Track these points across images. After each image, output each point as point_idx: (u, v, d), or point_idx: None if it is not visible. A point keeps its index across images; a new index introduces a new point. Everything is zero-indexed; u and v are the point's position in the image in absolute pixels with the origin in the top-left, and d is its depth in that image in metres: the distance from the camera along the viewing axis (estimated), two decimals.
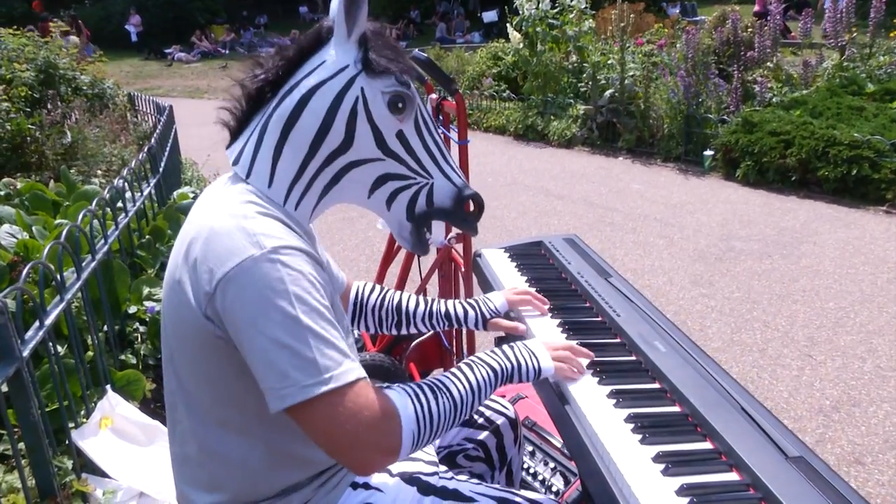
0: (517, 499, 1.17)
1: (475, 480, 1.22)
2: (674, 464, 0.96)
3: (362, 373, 0.95)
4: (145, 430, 2.25)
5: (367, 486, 1.16)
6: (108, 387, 2.25)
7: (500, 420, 1.47)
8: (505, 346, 1.18)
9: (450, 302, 1.44)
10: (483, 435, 1.45)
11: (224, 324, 0.94)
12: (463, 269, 2.30)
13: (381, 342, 2.51)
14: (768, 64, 7.01)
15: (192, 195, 3.98)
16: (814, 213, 5.07)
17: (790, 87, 6.67)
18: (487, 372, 1.10)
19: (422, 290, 2.36)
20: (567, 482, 1.88)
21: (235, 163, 1.05)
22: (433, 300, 1.44)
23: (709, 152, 6.34)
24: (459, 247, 2.32)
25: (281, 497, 1.09)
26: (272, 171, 1.03)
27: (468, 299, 1.46)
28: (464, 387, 1.05)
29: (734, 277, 3.98)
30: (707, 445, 1.02)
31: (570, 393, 1.15)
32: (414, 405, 0.99)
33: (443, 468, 1.25)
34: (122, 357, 2.44)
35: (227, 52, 20.11)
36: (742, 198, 5.53)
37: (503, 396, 1.59)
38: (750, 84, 6.72)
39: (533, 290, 1.48)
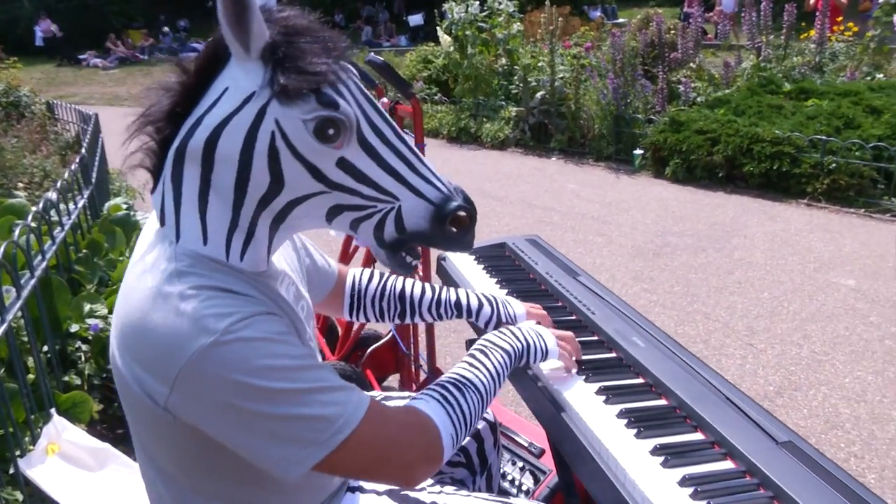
0: None
1: (464, 493, 1.21)
2: (672, 456, 0.98)
3: (366, 396, 0.91)
4: (95, 454, 2.16)
5: None
6: (52, 410, 2.15)
7: (480, 424, 1.47)
8: (512, 328, 1.15)
9: (461, 291, 1.35)
10: (464, 440, 1.45)
11: (192, 419, 0.85)
12: (421, 275, 2.29)
13: (340, 350, 2.49)
14: (691, 65, 7.25)
15: (125, 206, 3.84)
16: (741, 208, 5.27)
17: (713, 86, 6.92)
18: (502, 356, 1.07)
19: None
20: (537, 480, 1.90)
21: (162, 223, 0.90)
22: (441, 287, 1.36)
23: (638, 151, 6.52)
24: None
25: None
26: (203, 225, 0.87)
27: (485, 293, 1.36)
28: (486, 376, 1.03)
29: (673, 272, 4.11)
30: (699, 436, 1.05)
31: (558, 392, 1.16)
32: (446, 409, 0.96)
33: (429, 482, 1.23)
34: (66, 378, 2.34)
35: (147, 57, 19.51)
36: (672, 195, 5.70)
37: None
38: (675, 84, 6.93)
39: (505, 292, 1.48)
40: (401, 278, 1.37)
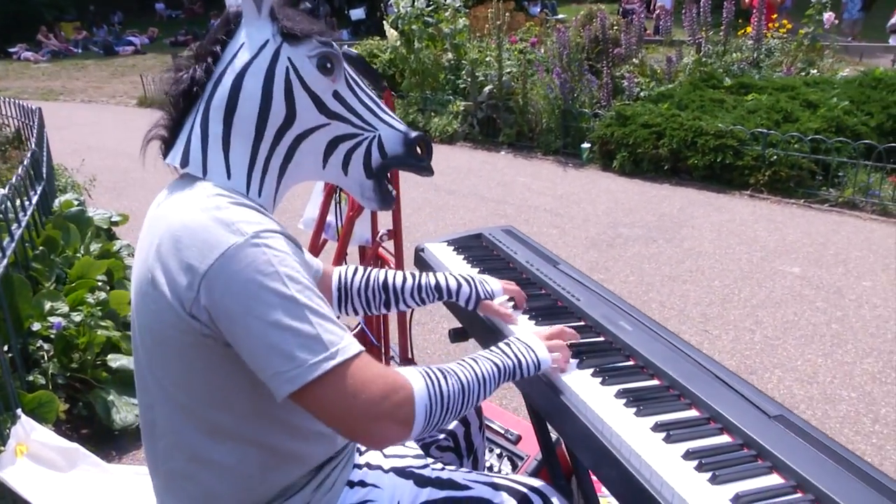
0: (508, 483, 1.20)
1: (465, 469, 1.24)
2: (672, 432, 1.02)
3: (361, 346, 0.95)
4: (64, 454, 2.12)
5: (363, 484, 1.15)
6: (18, 411, 2.09)
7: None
8: (502, 344, 1.17)
9: (439, 274, 1.41)
10: (452, 425, 1.47)
11: (213, 318, 0.92)
12: (394, 268, 2.30)
13: None
14: (634, 60, 7.41)
15: (76, 203, 3.74)
16: (687, 200, 5.43)
17: (656, 81, 7.09)
18: (491, 367, 1.10)
19: None
20: (515, 466, 1.93)
21: (185, 164, 1.03)
22: (420, 274, 1.41)
23: (586, 145, 6.63)
24: (389, 245, 2.33)
25: (279, 500, 1.07)
26: (226, 163, 1.03)
27: (461, 273, 1.41)
28: (471, 375, 1.05)
29: (626, 262, 4.21)
30: (695, 413, 1.09)
31: (554, 375, 1.19)
32: (424, 380, 0.98)
33: (430, 460, 1.26)
34: (30, 378, 2.27)
35: (80, 51, 18.89)
36: (621, 187, 5.83)
37: None
38: (619, 79, 7.08)
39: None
40: (382, 270, 1.41)
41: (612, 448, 1.02)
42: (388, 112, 1.14)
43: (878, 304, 3.57)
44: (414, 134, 1.14)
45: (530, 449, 1.97)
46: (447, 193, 5.77)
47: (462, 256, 1.73)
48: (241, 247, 0.90)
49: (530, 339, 1.19)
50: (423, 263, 1.79)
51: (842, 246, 4.39)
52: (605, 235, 4.67)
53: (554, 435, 1.77)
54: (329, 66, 1.06)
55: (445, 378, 1.01)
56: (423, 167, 1.16)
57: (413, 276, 1.40)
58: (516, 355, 1.14)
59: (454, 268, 1.66)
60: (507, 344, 1.17)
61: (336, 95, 1.08)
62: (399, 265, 2.28)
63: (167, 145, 1.06)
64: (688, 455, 0.97)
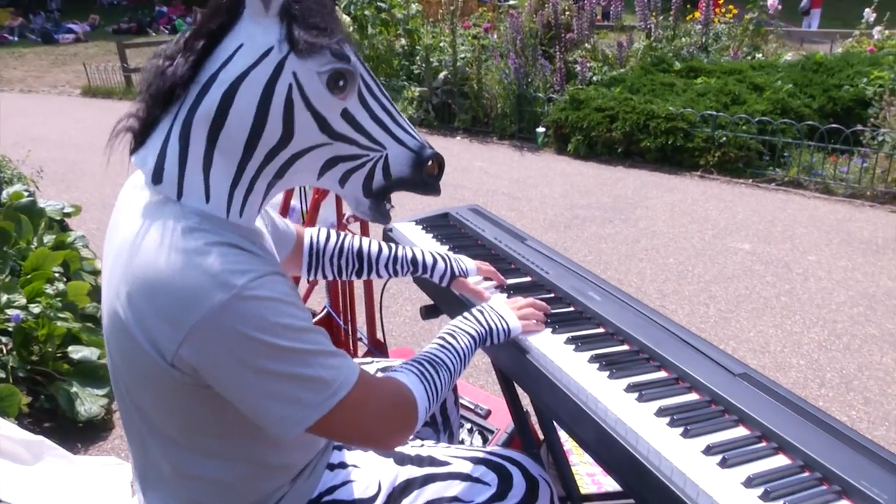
0: (486, 456, 1.24)
1: (443, 444, 1.28)
2: (644, 392, 1.07)
3: (356, 364, 0.96)
4: (29, 447, 2.09)
5: (343, 465, 1.17)
6: None
7: None
8: (475, 311, 1.21)
9: (415, 248, 1.43)
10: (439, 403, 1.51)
11: (200, 372, 0.87)
12: None
13: None
14: (586, 45, 7.51)
15: (26, 194, 3.65)
16: (640, 181, 5.54)
17: (608, 66, 7.20)
18: (469, 340, 1.14)
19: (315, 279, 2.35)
20: (485, 440, 1.98)
21: (157, 182, 0.90)
22: (396, 246, 1.43)
23: (541, 129, 6.71)
24: (354, 227, 2.34)
25: (262, 500, 1.07)
26: (206, 184, 0.90)
27: (437, 251, 1.44)
28: (455, 357, 1.10)
29: (584, 242, 4.29)
30: (664, 374, 1.15)
31: (529, 344, 1.24)
32: (422, 382, 1.03)
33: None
34: None
35: (16, 38, 18.28)
36: (576, 170, 5.92)
37: None
38: (571, 64, 7.17)
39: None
40: (356, 237, 1.42)
41: (589, 410, 1.07)
42: (402, 125, 1.00)
43: (823, 277, 3.73)
44: (428, 152, 1.00)
45: (500, 423, 2.02)
46: None
47: (431, 235, 1.75)
48: (228, 304, 0.82)
49: (501, 307, 1.24)
50: (391, 243, 1.82)
51: (788, 223, 4.55)
52: (563, 217, 4.75)
53: (525, 407, 1.82)
54: (342, 83, 0.91)
55: (437, 372, 1.06)
56: (430, 187, 1.03)
57: (389, 246, 1.41)
58: (488, 323, 1.20)
59: (424, 245, 1.69)
60: (481, 311, 1.22)
61: (345, 114, 0.93)
62: None
63: (137, 142, 0.94)
64: (660, 412, 1.03)
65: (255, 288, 0.84)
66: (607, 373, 1.13)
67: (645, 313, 1.32)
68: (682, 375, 1.13)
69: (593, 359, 1.17)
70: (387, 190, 1.02)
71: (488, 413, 2.06)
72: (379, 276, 1.41)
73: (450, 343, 1.13)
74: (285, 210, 2.35)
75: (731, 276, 3.76)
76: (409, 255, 1.41)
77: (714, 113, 5.66)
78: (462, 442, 1.99)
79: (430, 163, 1.01)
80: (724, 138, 5.58)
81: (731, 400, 1.05)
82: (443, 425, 1.54)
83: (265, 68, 0.88)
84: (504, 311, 1.23)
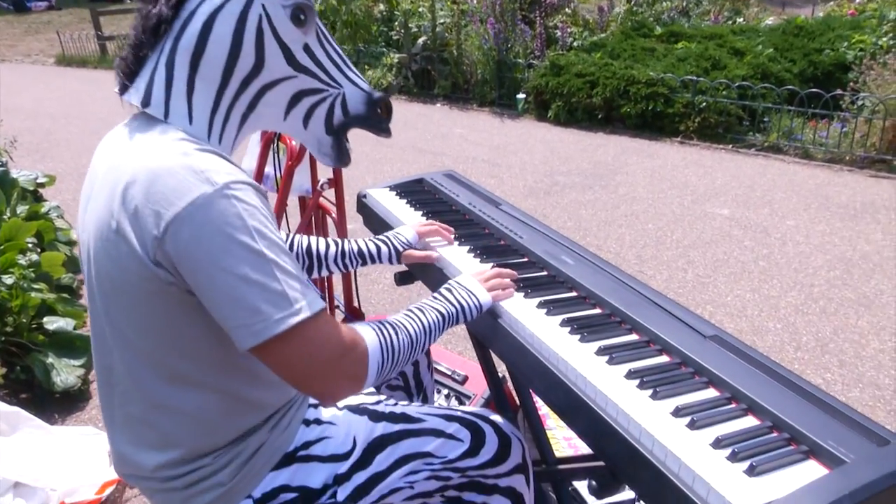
0: (460, 414, 1.24)
1: (418, 403, 1.27)
2: (615, 355, 1.07)
3: (322, 301, 0.96)
4: (6, 418, 2.07)
5: (318, 422, 1.17)
6: None
7: None
8: (444, 291, 1.21)
9: (360, 240, 1.46)
10: (388, 374, 1.50)
11: (178, 266, 0.91)
12: (335, 216, 2.30)
13: None
14: (566, 10, 7.44)
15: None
16: (621, 147, 5.53)
17: (588, 31, 7.14)
18: (436, 316, 1.15)
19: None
20: (462, 405, 1.98)
21: (146, 104, 1.00)
22: (343, 241, 1.46)
23: (521, 95, 6.66)
24: (329, 194, 2.32)
25: (237, 443, 1.07)
26: (189, 107, 1.00)
27: (378, 236, 1.48)
28: (418, 327, 1.10)
29: (564, 209, 4.28)
30: (635, 337, 1.14)
31: (500, 308, 1.22)
32: (378, 336, 1.02)
33: (383, 396, 1.29)
34: None
35: None
36: (556, 137, 5.89)
37: None
38: (552, 30, 7.11)
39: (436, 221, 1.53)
40: (306, 236, 1.45)
41: (559, 373, 1.06)
42: (354, 70, 1.13)
43: (801, 241, 3.74)
44: (377, 95, 1.13)
45: (477, 388, 2.02)
46: (384, 146, 5.73)
47: (405, 201, 1.74)
48: (211, 197, 0.88)
49: (470, 283, 1.24)
50: (366, 210, 1.80)
51: (767, 188, 4.56)
52: (543, 183, 4.74)
53: (501, 373, 1.82)
54: (302, 17, 1.04)
55: (396, 333, 1.06)
56: (382, 128, 1.16)
57: (336, 242, 1.46)
58: (459, 302, 1.20)
59: (398, 211, 1.67)
60: (450, 290, 1.22)
61: (306, 49, 1.06)
62: (341, 214, 2.28)
63: (127, 79, 1.02)
64: (630, 374, 1.02)
65: (237, 190, 0.91)
66: (578, 336, 1.12)
67: (618, 277, 1.31)
68: (653, 338, 1.12)
69: (565, 322, 1.16)
70: (345, 126, 1.13)
71: (465, 379, 2.06)
72: (329, 271, 1.46)
73: (415, 315, 1.13)
74: (259, 176, 2.32)
75: (709, 242, 3.77)
76: (356, 247, 1.46)
77: (694, 78, 5.63)
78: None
79: (380, 107, 1.14)
80: (705, 104, 5.56)
81: (701, 362, 1.04)
82: (416, 389, 1.54)
83: (238, 2, 0.99)
84: (472, 286, 1.23)
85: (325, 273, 1.46)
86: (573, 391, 1.03)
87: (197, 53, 0.99)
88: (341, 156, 1.15)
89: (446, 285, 1.24)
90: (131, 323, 0.99)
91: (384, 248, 1.46)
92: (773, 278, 3.35)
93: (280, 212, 2.31)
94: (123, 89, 1.02)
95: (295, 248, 1.42)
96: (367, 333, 1.02)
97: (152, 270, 0.92)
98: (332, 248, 1.44)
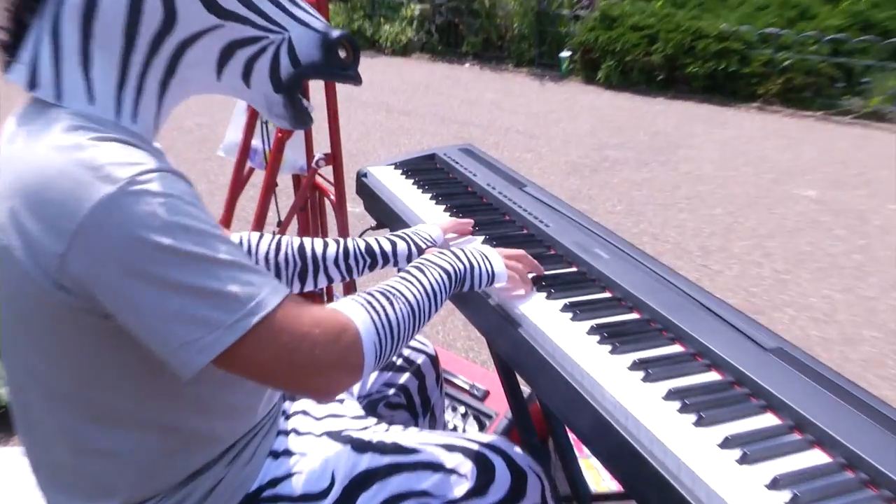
0: (464, 443, 1.21)
1: (414, 429, 1.25)
2: (653, 370, 1.04)
3: (282, 285, 0.93)
4: None
5: (289, 453, 1.15)
6: None
7: (420, 359, 1.52)
8: (454, 247, 1.19)
9: (370, 238, 1.40)
10: (404, 378, 1.49)
11: (90, 288, 0.86)
12: (334, 199, 2.29)
13: None
14: None
15: None
16: (685, 115, 5.47)
17: None
18: (440, 274, 1.11)
19: (283, 230, 2.33)
20: (482, 426, 1.97)
21: (33, 86, 0.93)
22: (345, 239, 1.41)
23: (565, 54, 6.61)
24: (328, 172, 2.31)
25: (188, 482, 1.05)
26: (87, 82, 0.93)
27: (393, 233, 1.42)
28: (419, 291, 1.06)
29: (613, 190, 4.25)
30: (679, 349, 1.11)
31: (518, 312, 1.20)
32: (369, 313, 0.97)
33: (372, 420, 1.26)
34: None
35: None
36: (607, 102, 5.85)
37: None
38: None
39: (442, 209, 1.52)
40: (297, 238, 1.40)
41: (583, 391, 1.04)
42: (301, 5, 1.05)
43: None
44: (335, 34, 1.05)
45: (501, 406, 2.00)
46: (401, 114, 5.74)
47: (412, 181, 1.72)
48: (114, 198, 0.83)
49: (485, 248, 1.22)
50: (366, 192, 1.79)
51: (866, 164, 4.48)
52: (589, 159, 4.70)
53: (527, 389, 1.80)
54: None
55: (391, 303, 1.01)
56: (347, 76, 1.09)
57: (337, 241, 1.40)
58: (469, 260, 1.17)
59: (403, 193, 1.66)
60: (461, 248, 1.20)
61: None
62: (340, 195, 2.27)
63: (8, 53, 0.96)
64: (670, 395, 0.99)
65: (147, 182, 0.85)
66: (609, 346, 1.10)
67: (662, 275, 1.29)
68: (701, 350, 1.09)
69: (593, 329, 1.14)
70: (297, 78, 1.05)
71: (486, 394, 2.04)
72: (329, 277, 1.38)
73: (413, 276, 1.09)
74: (245, 152, 2.32)
75: (791, 230, 3.71)
76: (362, 245, 1.39)
77: (776, 31, 5.54)
78: (455, 429, 1.98)
79: (343, 50, 1.08)
80: (789, 62, 5.47)
81: (759, 381, 1.01)
82: (421, 407, 1.52)
83: None
84: (489, 251, 1.21)
85: (322, 282, 1.39)
86: (600, 414, 1.00)
87: (88, 14, 0.91)
88: (299, 116, 1.09)
89: (459, 246, 1.22)
90: (42, 357, 0.95)
91: (401, 245, 1.38)
92: (871, 275, 3.29)
93: (268, 193, 2.31)
94: (6, 67, 0.95)
95: (282, 249, 1.36)
96: (354, 311, 0.97)
97: (56, 296, 0.88)
98: (332, 248, 1.38)
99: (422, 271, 1.10)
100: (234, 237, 1.35)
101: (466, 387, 2.06)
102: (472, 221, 1.48)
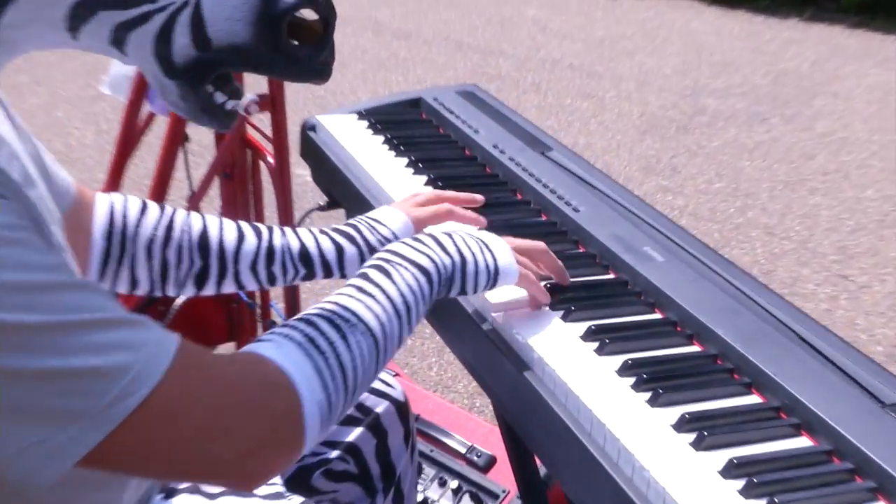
0: None
1: None
2: (712, 432, 1.05)
3: (171, 335, 0.91)
4: None
5: None
6: None
7: (381, 406, 1.51)
8: (435, 231, 1.20)
9: (303, 231, 1.41)
10: (355, 434, 1.49)
11: None
12: (272, 162, 2.30)
13: (124, 303, 2.49)
14: None
15: None
16: (828, 47, 5.46)
17: None
18: (414, 276, 1.10)
19: (195, 205, 2.34)
20: None
21: None
22: (271, 227, 1.42)
23: None
24: (265, 124, 2.33)
25: None
26: None
27: (342, 225, 1.43)
28: (383, 308, 1.06)
29: (710, 157, 4.25)
30: (755, 400, 1.12)
31: (519, 337, 1.22)
32: (310, 355, 0.97)
33: (298, 500, 1.28)
34: None
35: None
36: (710, 25, 5.84)
37: None
38: None
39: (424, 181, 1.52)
40: (199, 215, 1.40)
41: (605, 460, 1.05)
42: None
43: None
44: (287, 1, 0.98)
45: (512, 481, 2.02)
46: (397, 38, 5.75)
47: (382, 138, 1.74)
48: None
49: (484, 234, 1.23)
50: (313, 153, 1.80)
51: None
52: (677, 111, 4.70)
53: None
54: None
55: (343, 334, 1.01)
56: (299, 71, 1.03)
57: (257, 229, 1.41)
58: (459, 251, 1.18)
59: (367, 157, 1.68)
60: (448, 234, 1.20)
61: None
62: (282, 156, 2.29)
63: None
64: (733, 470, 1.00)
65: None
66: (648, 394, 1.11)
67: (741, 288, 1.30)
68: (787, 403, 1.11)
69: (627, 368, 1.15)
70: (204, 68, 1.00)
71: (492, 462, 2.06)
72: (240, 284, 1.40)
73: (375, 283, 1.09)
74: (141, 90, 2.33)
75: None
76: (296, 245, 1.40)
77: None
78: None
79: (303, 14, 1.00)
80: None
81: (868, 452, 1.02)
82: (382, 481, 1.53)
83: None
84: (490, 238, 1.22)
85: (229, 288, 1.41)
86: (627, 496, 1.02)
87: None
88: (207, 113, 1.05)
89: (446, 231, 1.22)
90: None
91: (349, 249, 1.40)
92: None
93: (172, 149, 2.32)
94: None
95: (175, 234, 1.35)
96: (287, 354, 0.96)
97: None
98: (251, 240, 1.39)
99: (387, 274, 1.10)
100: (103, 201, 1.34)
101: (462, 449, 2.07)
102: (477, 198, 1.49)
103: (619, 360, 1.17)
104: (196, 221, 1.37)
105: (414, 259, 1.13)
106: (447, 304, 1.30)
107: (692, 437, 1.05)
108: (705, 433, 1.05)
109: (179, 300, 2.58)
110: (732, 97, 4.85)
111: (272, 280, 1.39)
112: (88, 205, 1.31)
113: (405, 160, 1.65)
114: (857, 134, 4.45)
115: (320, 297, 2.45)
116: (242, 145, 2.36)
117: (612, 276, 1.36)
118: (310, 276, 1.40)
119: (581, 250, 1.42)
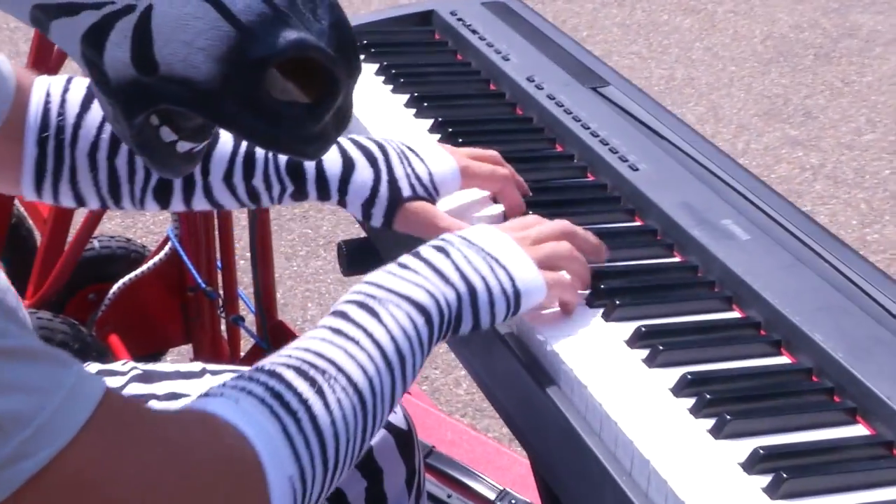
0: None
1: None
2: (798, 472, 1.05)
3: (96, 379, 0.92)
4: None
5: None
6: None
7: (375, 438, 1.53)
8: (430, 250, 1.21)
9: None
10: (327, 491, 1.51)
11: None
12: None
13: (39, 285, 2.52)
14: None
15: None
16: None
17: None
18: (409, 315, 1.12)
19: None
20: None
21: None
22: None
23: None
24: None
25: None
26: None
27: (368, 138, 1.46)
28: (371, 352, 1.07)
29: (861, 97, 4.24)
30: (861, 430, 1.13)
31: (545, 344, 1.23)
32: (277, 415, 0.98)
33: None
34: None
35: None
36: None
37: None
38: None
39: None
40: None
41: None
42: None
43: None
44: (286, 39, 0.89)
45: None
46: None
47: (376, 66, 1.75)
48: None
49: (492, 235, 1.24)
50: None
51: None
52: (818, 32, 4.68)
53: None
54: None
55: (321, 393, 1.02)
56: (286, 138, 0.96)
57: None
58: (467, 279, 1.19)
59: (361, 96, 1.68)
60: (442, 249, 1.21)
61: None
62: None
63: None
64: None
65: None
66: (713, 420, 1.12)
67: (851, 278, 1.30)
68: None
69: (686, 386, 1.16)
70: (144, 96, 0.95)
71: None
72: (214, 201, 1.43)
73: (359, 325, 1.10)
74: None
75: None
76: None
77: None
78: None
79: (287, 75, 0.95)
80: None
81: None
82: None
83: None
84: (501, 242, 1.24)
85: (200, 204, 1.45)
86: None
87: None
88: (149, 154, 1.01)
89: (436, 242, 1.23)
90: None
91: (363, 174, 1.43)
92: None
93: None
94: None
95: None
96: (243, 410, 0.98)
97: None
98: (226, 147, 1.42)
99: (373, 313, 1.11)
100: (39, 90, 1.38)
101: (492, 495, 2.09)
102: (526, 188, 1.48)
103: (679, 372, 1.17)
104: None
105: (407, 294, 1.14)
106: None
107: (769, 478, 1.06)
108: (788, 477, 1.05)
109: (116, 286, 2.60)
110: (891, 12, 4.82)
111: (254, 197, 1.43)
112: (24, 100, 1.36)
113: (404, 97, 1.66)
114: None
115: (308, 284, 2.49)
116: None
117: (676, 258, 1.37)
118: (300, 193, 1.43)
119: (637, 223, 1.42)
